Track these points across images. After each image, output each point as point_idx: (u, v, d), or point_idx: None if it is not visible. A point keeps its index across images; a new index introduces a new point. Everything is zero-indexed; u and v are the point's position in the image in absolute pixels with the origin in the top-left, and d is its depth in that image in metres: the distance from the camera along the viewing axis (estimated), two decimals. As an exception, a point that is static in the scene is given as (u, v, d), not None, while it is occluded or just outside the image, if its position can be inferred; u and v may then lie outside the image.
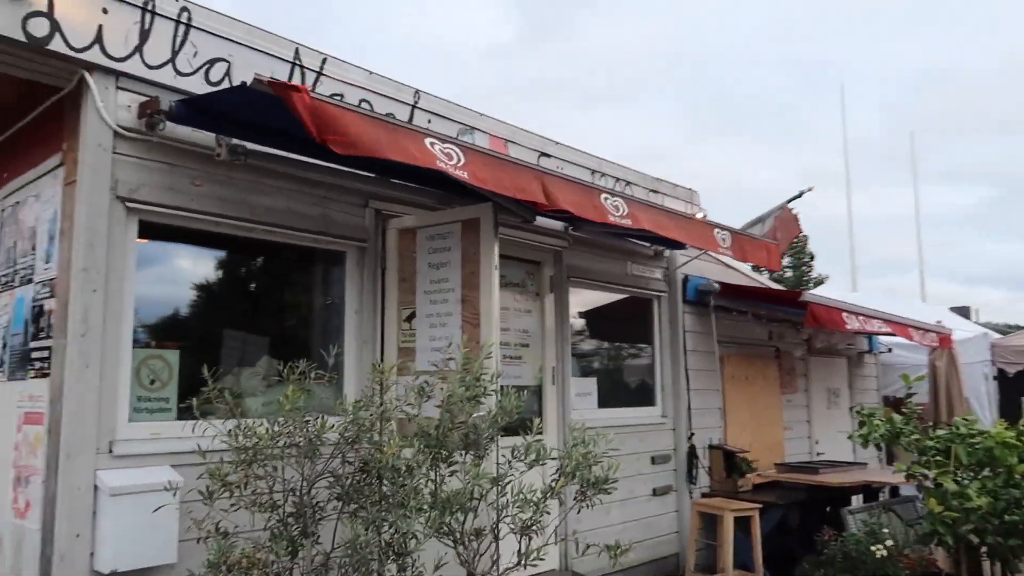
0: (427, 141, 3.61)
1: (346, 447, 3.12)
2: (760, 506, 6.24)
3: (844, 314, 7.07)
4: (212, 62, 4.03)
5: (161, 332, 3.94)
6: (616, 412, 6.58)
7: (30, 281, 4.02)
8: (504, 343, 5.63)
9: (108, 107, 3.63)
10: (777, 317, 7.88)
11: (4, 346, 4.25)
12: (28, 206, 4.18)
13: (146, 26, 3.77)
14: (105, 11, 3.63)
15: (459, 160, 3.72)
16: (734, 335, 7.94)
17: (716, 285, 7.29)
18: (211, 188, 4.01)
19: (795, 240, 7.29)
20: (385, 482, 3.01)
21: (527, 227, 5.60)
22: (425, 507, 3.09)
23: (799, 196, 6.92)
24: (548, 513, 3.60)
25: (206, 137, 3.95)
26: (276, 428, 3.05)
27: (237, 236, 4.18)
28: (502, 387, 3.89)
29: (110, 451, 3.52)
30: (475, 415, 3.39)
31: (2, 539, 3.99)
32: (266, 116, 3.65)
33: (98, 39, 3.59)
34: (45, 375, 3.70)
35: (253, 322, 4.39)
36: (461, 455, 3.45)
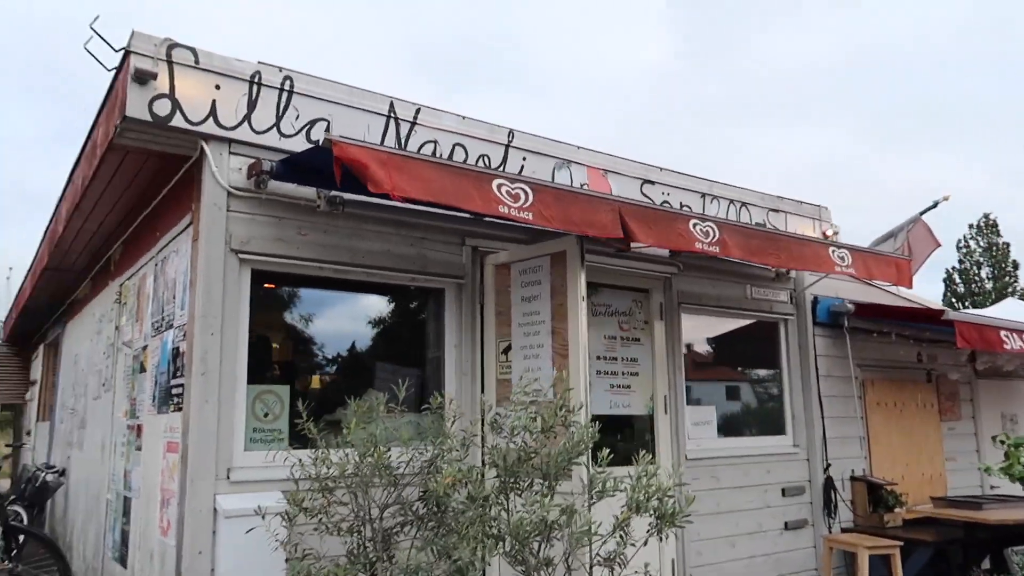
0: (495, 183, 3.77)
1: (412, 477, 3.31)
2: (900, 543, 5.74)
3: (1001, 332, 6.39)
4: (313, 122, 4.44)
5: (273, 369, 4.35)
6: (739, 441, 6.35)
7: (171, 326, 4.60)
8: (611, 372, 5.66)
9: (222, 171, 4.12)
10: (925, 337, 7.24)
11: (156, 383, 4.87)
12: (171, 260, 4.78)
13: (253, 96, 4.25)
14: (218, 87, 4.13)
15: (526, 200, 3.85)
16: (878, 358, 7.40)
17: (850, 305, 6.86)
18: (315, 236, 4.40)
19: (931, 254, 6.65)
20: (450, 510, 3.15)
21: (632, 255, 5.60)
22: (499, 533, 3.20)
23: (934, 207, 6.35)
24: (633, 545, 3.58)
25: (309, 191, 4.36)
26: (355, 459, 3.30)
27: (340, 279, 4.55)
28: (593, 417, 3.94)
29: (228, 477, 3.94)
30: (545, 448, 3.46)
31: (153, 553, 4.55)
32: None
33: (212, 112, 4.09)
34: (180, 409, 4.21)
35: (359, 357, 4.73)
36: (541, 484, 3.53)
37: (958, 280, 30.20)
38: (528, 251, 4.83)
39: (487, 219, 4.99)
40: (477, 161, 5.06)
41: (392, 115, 4.76)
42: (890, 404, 7.45)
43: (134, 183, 4.98)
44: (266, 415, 4.20)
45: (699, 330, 6.46)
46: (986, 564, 6.76)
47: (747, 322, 6.72)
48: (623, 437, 5.73)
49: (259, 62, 4.32)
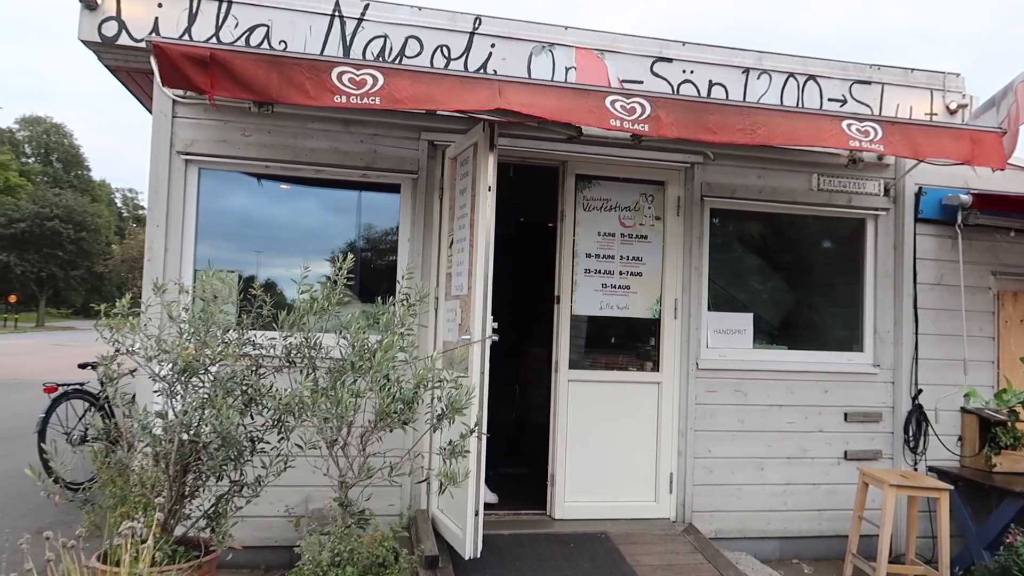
0: (335, 72, 3.74)
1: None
2: (950, 488, 4.64)
3: None
4: (252, 29, 4.73)
5: (222, 257, 4.85)
6: (784, 355, 5.54)
7: (179, 222, 5.33)
8: (605, 271, 5.31)
9: (167, 81, 4.62)
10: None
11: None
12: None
13: (193, 10, 4.65)
14: (160, 5, 4.61)
15: (374, 85, 3.76)
16: (1021, 264, 5.83)
17: (965, 197, 5.45)
18: (258, 137, 4.76)
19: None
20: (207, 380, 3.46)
21: (644, 145, 5.07)
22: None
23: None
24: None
25: (251, 93, 4.68)
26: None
27: (286, 176, 4.87)
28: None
29: (168, 348, 4.57)
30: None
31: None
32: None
33: (155, 28, 4.59)
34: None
35: (309, 249, 5.04)
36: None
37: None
38: (463, 141, 4.68)
39: (438, 113, 4.91)
40: (434, 52, 4.96)
41: (337, 14, 4.86)
42: (1046, 323, 5.86)
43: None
44: (214, 298, 4.74)
45: (750, 228, 5.68)
46: None
47: (819, 217, 5.72)
48: (620, 341, 5.36)
49: (202, -22, 4.70)
